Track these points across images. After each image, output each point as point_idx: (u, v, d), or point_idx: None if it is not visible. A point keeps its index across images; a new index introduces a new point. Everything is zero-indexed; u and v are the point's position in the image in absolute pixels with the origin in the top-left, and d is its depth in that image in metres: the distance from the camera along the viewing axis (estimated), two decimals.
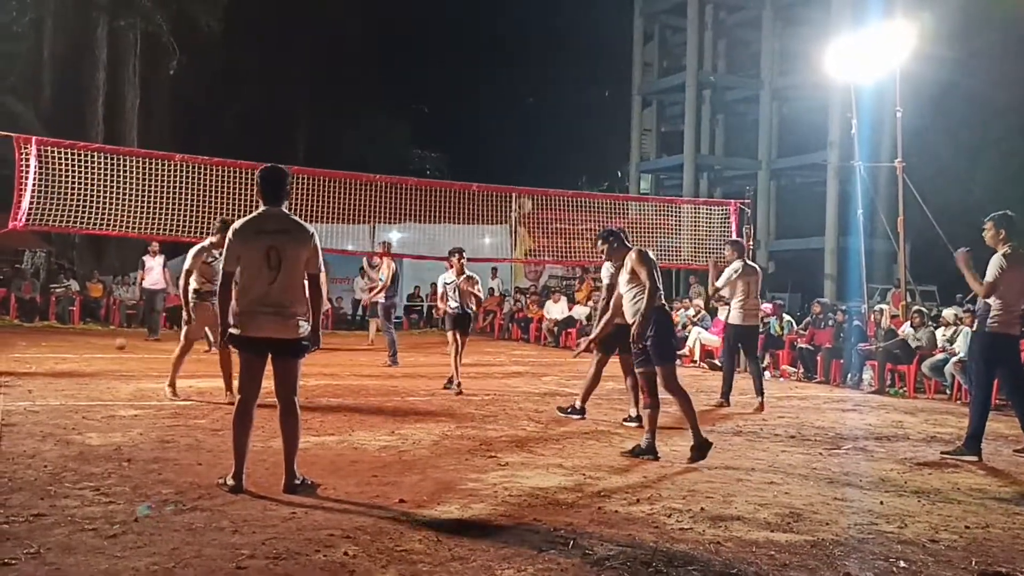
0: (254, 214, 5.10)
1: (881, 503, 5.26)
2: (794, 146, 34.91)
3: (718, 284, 9.81)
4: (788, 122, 36.25)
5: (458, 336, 9.96)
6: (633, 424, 7.78)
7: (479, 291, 10.19)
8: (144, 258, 16.49)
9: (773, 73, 35.59)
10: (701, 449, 6.23)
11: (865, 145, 15.61)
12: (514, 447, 6.69)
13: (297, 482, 5.00)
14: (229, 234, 5.02)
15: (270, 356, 5.02)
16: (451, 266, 10.20)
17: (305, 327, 5.03)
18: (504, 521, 4.56)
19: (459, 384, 9.87)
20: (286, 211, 5.11)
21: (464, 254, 10.16)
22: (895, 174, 14.25)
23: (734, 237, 10.22)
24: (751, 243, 13.79)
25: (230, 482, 4.94)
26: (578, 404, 8.35)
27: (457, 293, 9.93)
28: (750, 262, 9.79)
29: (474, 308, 10.30)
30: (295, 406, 5.09)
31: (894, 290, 20.60)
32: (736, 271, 9.56)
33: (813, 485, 5.70)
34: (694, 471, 6.00)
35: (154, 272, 16.24)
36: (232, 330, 4.99)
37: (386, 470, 5.67)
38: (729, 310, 9.86)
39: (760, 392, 9.57)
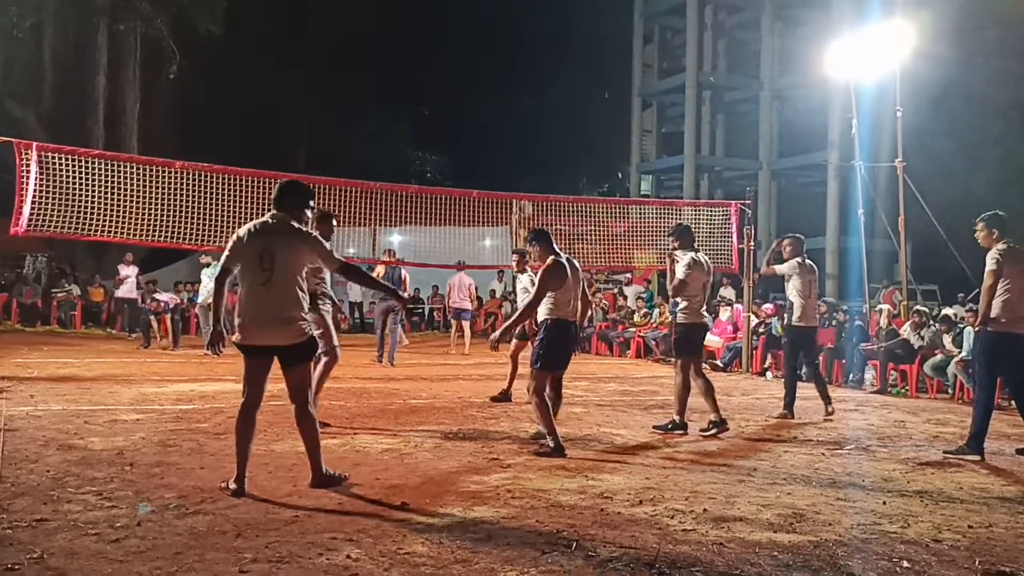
0: (259, 219, 5.18)
1: (884, 503, 5.26)
2: (794, 146, 34.96)
3: (776, 269, 9.24)
4: (788, 122, 36.31)
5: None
6: (712, 431, 7.56)
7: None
8: (119, 267, 17.08)
9: (773, 73, 35.65)
10: (554, 452, 6.39)
11: (865, 145, 15.63)
12: (516, 449, 6.68)
13: (325, 474, 5.14)
14: (234, 235, 5.09)
15: (280, 363, 5.05)
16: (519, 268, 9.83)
17: (307, 331, 5.06)
18: (507, 523, 4.56)
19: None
20: (287, 217, 5.11)
21: (525, 255, 9.42)
22: (895, 174, 14.26)
23: (794, 234, 9.55)
24: (752, 244, 13.77)
25: (232, 486, 4.95)
26: (677, 419, 7.76)
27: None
28: (808, 260, 9.20)
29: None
30: (308, 409, 5.13)
31: (884, 290, 20.65)
32: (794, 268, 8.98)
33: (816, 485, 5.70)
34: (696, 472, 5.99)
35: (129, 281, 16.96)
36: (234, 338, 5.03)
37: (388, 473, 5.67)
38: (790, 311, 9.12)
39: (828, 399, 9.07)
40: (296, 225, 5.11)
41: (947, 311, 12.90)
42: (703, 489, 5.44)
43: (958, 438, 7.56)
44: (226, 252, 5.06)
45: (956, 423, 8.85)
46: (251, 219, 5.29)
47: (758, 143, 36.28)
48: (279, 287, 4.95)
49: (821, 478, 5.95)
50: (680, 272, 7.83)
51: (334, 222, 7.66)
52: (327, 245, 5.23)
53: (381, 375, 12.04)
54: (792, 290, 8.99)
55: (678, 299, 7.85)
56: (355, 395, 9.73)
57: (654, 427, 7.82)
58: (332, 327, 7.26)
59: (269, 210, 5.16)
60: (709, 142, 37.90)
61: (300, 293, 5.04)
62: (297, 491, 5.04)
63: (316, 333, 5.64)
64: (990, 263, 6.90)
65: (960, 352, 11.16)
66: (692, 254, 7.86)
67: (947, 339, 11.67)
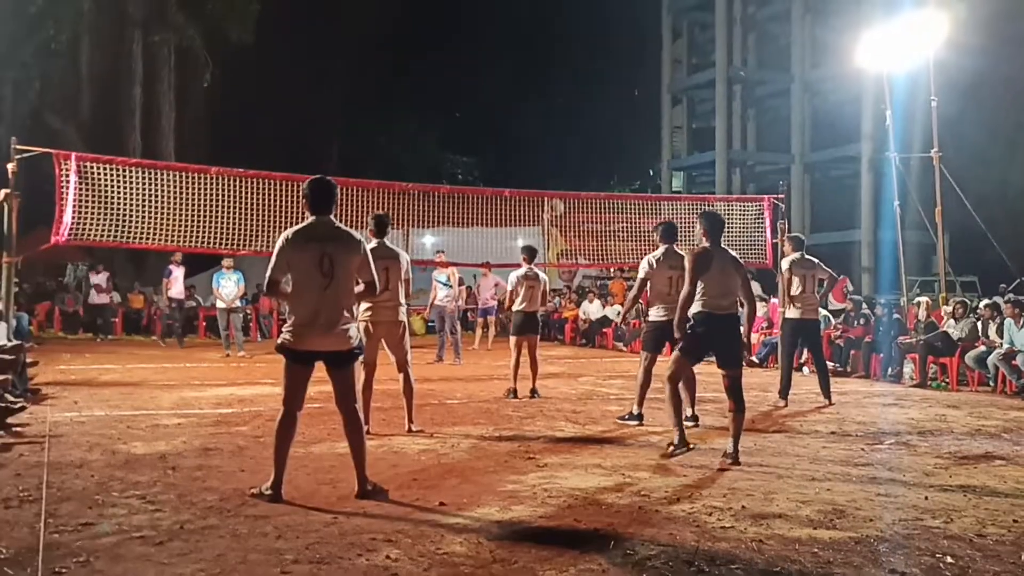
0: (304, 223, 5.09)
1: (926, 498, 5.19)
2: (827, 139, 34.59)
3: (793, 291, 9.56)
4: (820, 115, 35.92)
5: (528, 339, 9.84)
6: (690, 424, 7.58)
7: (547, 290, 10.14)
8: (90, 274, 19.60)
9: (804, 66, 35.28)
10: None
11: (899, 136, 15.43)
12: (552, 448, 6.69)
13: (369, 488, 5.01)
14: (280, 241, 4.97)
15: (326, 367, 5.02)
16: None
17: (355, 335, 5.04)
18: (544, 522, 4.57)
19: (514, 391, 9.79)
20: (334, 220, 5.12)
21: (530, 253, 10.18)
22: (929, 165, 14.08)
23: (793, 233, 10.57)
24: (785, 239, 13.66)
25: (267, 492, 4.92)
26: (635, 410, 7.95)
27: (527, 291, 9.84)
28: (808, 256, 9.67)
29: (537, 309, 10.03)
30: (357, 414, 5.11)
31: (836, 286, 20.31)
32: (791, 264, 9.51)
33: (855, 481, 5.64)
34: (734, 469, 5.94)
35: (100, 287, 19.21)
36: (284, 340, 4.96)
37: (425, 473, 5.71)
38: (787, 306, 9.71)
39: (827, 393, 9.61)
40: (347, 229, 5.11)
41: (994, 299, 12.68)
42: (741, 486, 5.41)
43: (1001, 431, 7.45)
44: (274, 262, 4.94)
45: (999, 416, 8.72)
46: (287, 222, 5.31)
47: (790, 137, 35.93)
48: (338, 292, 4.92)
49: (861, 473, 5.89)
50: (640, 275, 7.97)
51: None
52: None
53: (416, 376, 12.07)
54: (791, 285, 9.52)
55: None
56: (391, 397, 9.75)
57: (618, 418, 8.07)
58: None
59: (314, 212, 5.05)
60: (740, 137, 37.61)
61: (351, 299, 5.05)
62: (336, 492, 5.08)
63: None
64: None
65: (1002, 343, 10.99)
66: (655, 254, 7.87)
67: (992, 328, 11.46)
